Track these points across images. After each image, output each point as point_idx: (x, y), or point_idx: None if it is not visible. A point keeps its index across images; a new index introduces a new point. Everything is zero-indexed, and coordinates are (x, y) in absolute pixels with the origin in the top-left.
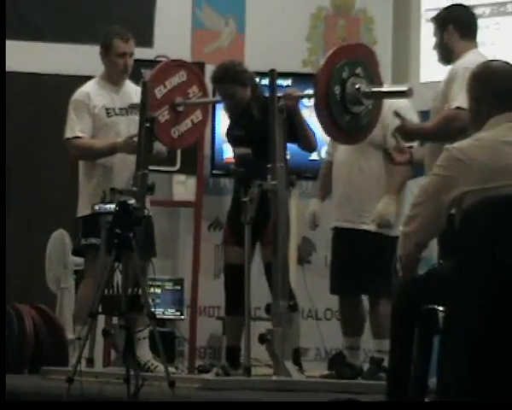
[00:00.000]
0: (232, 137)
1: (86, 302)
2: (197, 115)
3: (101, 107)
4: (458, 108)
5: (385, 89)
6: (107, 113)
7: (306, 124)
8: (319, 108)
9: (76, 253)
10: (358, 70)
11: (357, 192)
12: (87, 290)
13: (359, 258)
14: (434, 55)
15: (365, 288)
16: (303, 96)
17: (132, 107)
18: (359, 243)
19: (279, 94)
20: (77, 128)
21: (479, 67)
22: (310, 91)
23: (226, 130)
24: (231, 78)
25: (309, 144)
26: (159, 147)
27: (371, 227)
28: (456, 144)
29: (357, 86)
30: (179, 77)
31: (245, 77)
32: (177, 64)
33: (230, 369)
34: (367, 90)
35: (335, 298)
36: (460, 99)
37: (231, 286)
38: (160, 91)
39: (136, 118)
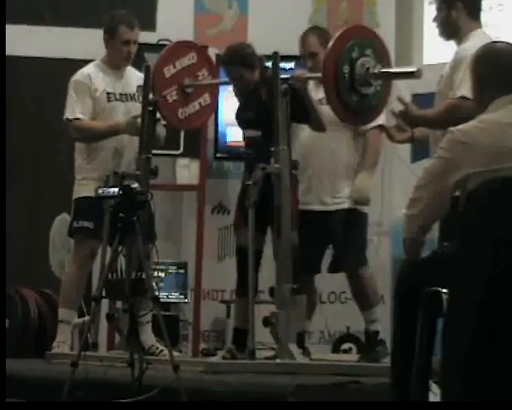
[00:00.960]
0: (242, 119)
1: (70, 286)
2: (205, 99)
3: (102, 90)
4: (462, 97)
5: (393, 69)
6: (108, 97)
7: (315, 105)
8: (327, 87)
9: (71, 235)
10: (368, 51)
11: (329, 174)
12: (70, 275)
13: (332, 238)
14: (438, 37)
15: (344, 265)
16: (312, 78)
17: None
18: (332, 223)
19: (282, 76)
20: (77, 109)
21: (481, 49)
22: (318, 74)
23: (236, 112)
24: (239, 60)
25: (319, 125)
26: (157, 131)
27: (344, 205)
28: (459, 127)
29: (366, 67)
30: (189, 59)
31: (253, 60)
32: (188, 46)
33: (237, 352)
34: (376, 70)
35: (339, 281)
36: (464, 88)
37: (244, 269)
38: (168, 71)
39: (136, 105)
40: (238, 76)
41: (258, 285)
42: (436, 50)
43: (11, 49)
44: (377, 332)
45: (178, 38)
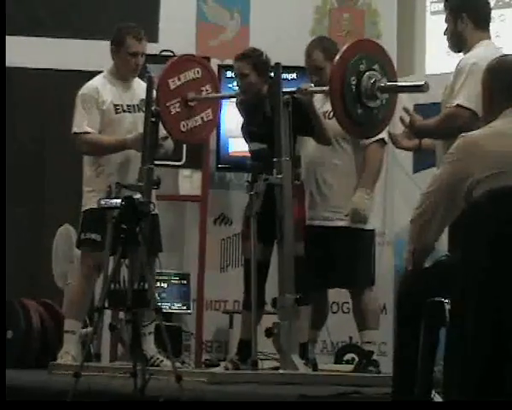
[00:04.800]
0: (247, 132)
1: (75, 297)
2: (208, 114)
3: (109, 102)
4: (458, 105)
5: (400, 83)
6: (116, 109)
7: (321, 118)
8: (334, 98)
9: (78, 247)
10: (376, 66)
11: (332, 189)
12: (76, 286)
13: (336, 253)
14: (439, 47)
15: (347, 282)
16: (318, 91)
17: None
18: (336, 238)
19: (288, 89)
20: (85, 123)
21: (493, 61)
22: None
23: (241, 126)
24: (252, 60)
25: (324, 138)
26: (167, 145)
27: (347, 222)
28: (469, 133)
29: (372, 80)
30: (194, 73)
31: (264, 67)
32: (194, 60)
33: (240, 363)
34: (382, 84)
35: (341, 292)
36: (461, 97)
37: (251, 281)
38: (173, 83)
39: (143, 115)
40: (244, 73)
41: (264, 297)
42: (438, 61)
43: (13, 61)
44: (372, 353)
45: (181, 49)
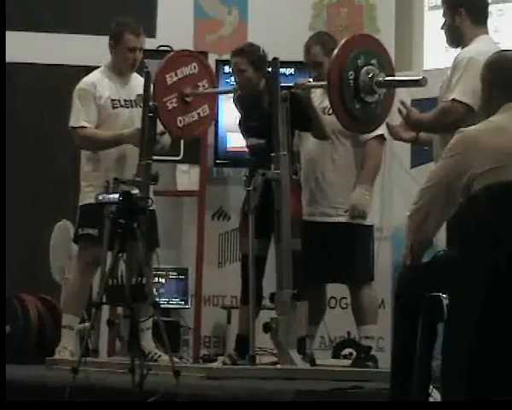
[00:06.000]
0: (245, 128)
1: (73, 292)
2: (204, 110)
3: (106, 97)
4: (454, 100)
5: (398, 78)
6: (113, 104)
7: (318, 113)
8: (332, 93)
9: (75, 242)
10: (373, 61)
11: (331, 185)
12: (74, 281)
13: (335, 249)
14: (438, 42)
15: (345, 277)
16: (315, 86)
17: (140, 97)
18: (335, 234)
19: (285, 84)
20: (82, 117)
21: (492, 56)
22: (321, 82)
23: (239, 121)
24: (249, 55)
25: (322, 133)
26: (163, 141)
27: (346, 218)
28: (467, 128)
29: (370, 75)
30: (191, 68)
31: (261, 63)
32: (191, 55)
33: (238, 358)
34: (380, 78)
35: (339, 287)
36: (457, 91)
37: (248, 276)
38: (170, 78)
39: (141, 111)
40: (241, 68)
41: (262, 292)
42: (436, 56)
43: (10, 56)
44: (370, 348)
45: (178, 44)
